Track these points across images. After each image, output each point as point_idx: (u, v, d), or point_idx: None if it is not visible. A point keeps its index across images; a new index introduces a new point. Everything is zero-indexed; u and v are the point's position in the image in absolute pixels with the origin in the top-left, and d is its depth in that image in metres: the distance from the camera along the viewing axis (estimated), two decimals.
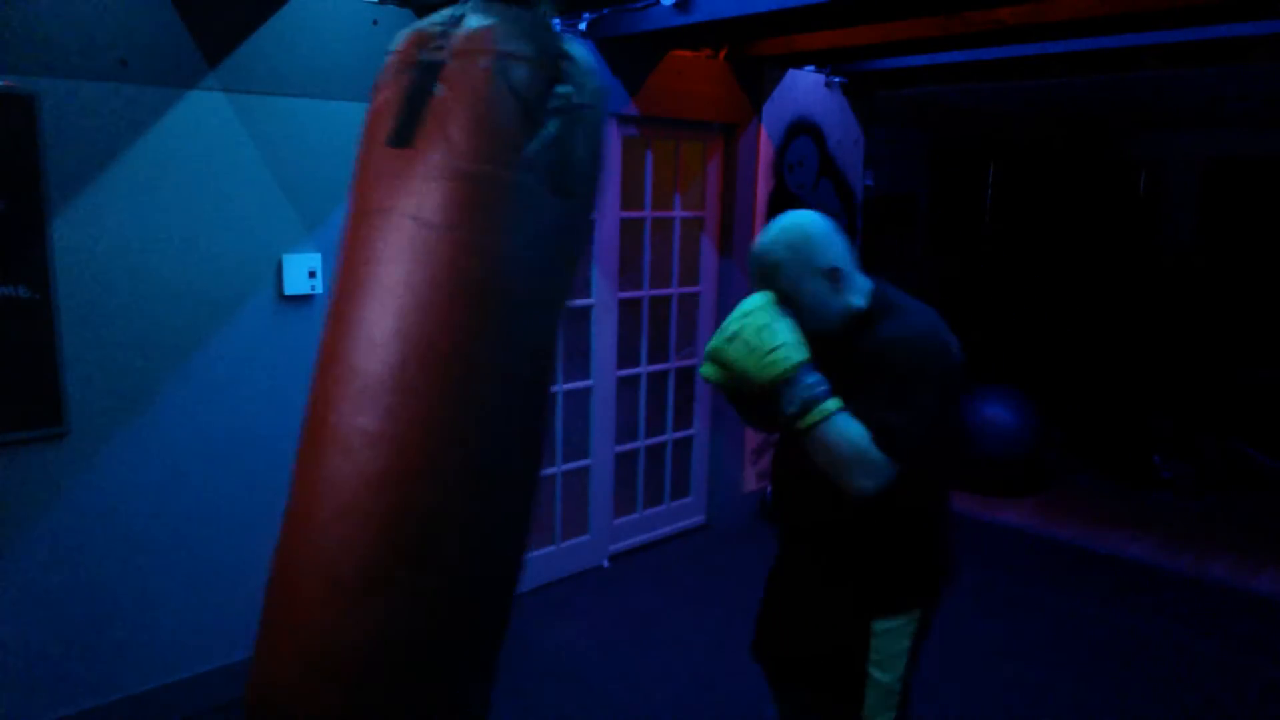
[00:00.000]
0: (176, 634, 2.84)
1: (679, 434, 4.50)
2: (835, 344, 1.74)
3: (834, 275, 1.74)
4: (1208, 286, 6.45)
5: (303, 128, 2.88)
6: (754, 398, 1.71)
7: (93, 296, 2.56)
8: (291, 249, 2.92)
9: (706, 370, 1.74)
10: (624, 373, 4.16)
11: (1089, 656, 3.38)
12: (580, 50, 1.36)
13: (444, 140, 1.22)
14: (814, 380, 1.63)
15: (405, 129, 1.25)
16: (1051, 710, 3.02)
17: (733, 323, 1.67)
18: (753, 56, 4.12)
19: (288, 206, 2.89)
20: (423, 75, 1.27)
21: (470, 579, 1.30)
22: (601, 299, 3.97)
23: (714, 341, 1.69)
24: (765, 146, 4.43)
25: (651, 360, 4.28)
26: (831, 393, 1.64)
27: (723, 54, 4.13)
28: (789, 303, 1.73)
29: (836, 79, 4.69)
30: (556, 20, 1.37)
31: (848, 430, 1.61)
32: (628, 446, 4.26)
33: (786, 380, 1.62)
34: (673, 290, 4.31)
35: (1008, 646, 3.44)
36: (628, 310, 4.15)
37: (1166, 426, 5.64)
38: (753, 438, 4.68)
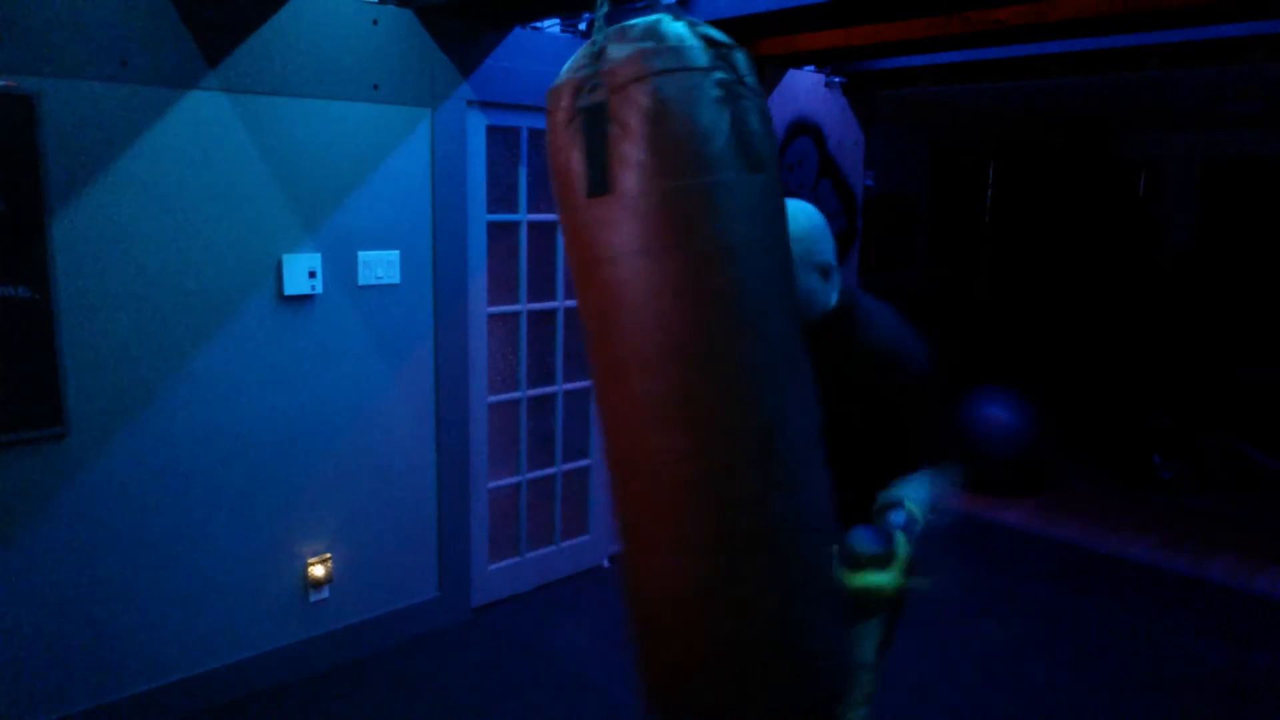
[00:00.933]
0: (176, 634, 2.84)
1: None
2: (813, 337, 1.75)
3: (826, 271, 1.81)
4: (1207, 286, 6.45)
5: (303, 128, 2.88)
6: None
7: (93, 296, 2.56)
8: (291, 249, 2.92)
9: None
10: None
11: (1089, 656, 3.38)
12: (708, 27, 1.37)
13: (635, 173, 1.26)
14: (902, 536, 1.60)
15: (598, 176, 1.29)
16: (1051, 710, 3.02)
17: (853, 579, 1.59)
18: (753, 56, 4.12)
19: (288, 206, 2.89)
20: (592, 120, 1.29)
21: (791, 572, 1.38)
22: None
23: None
24: None
25: None
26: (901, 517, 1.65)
27: None
28: None
29: (836, 79, 4.69)
30: (552, 23, 1.38)
31: (926, 500, 1.68)
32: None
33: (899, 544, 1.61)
34: None
35: (1008, 646, 3.44)
36: None
37: (1166, 426, 5.64)
38: None
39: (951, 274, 6.55)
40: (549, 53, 3.46)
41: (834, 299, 1.84)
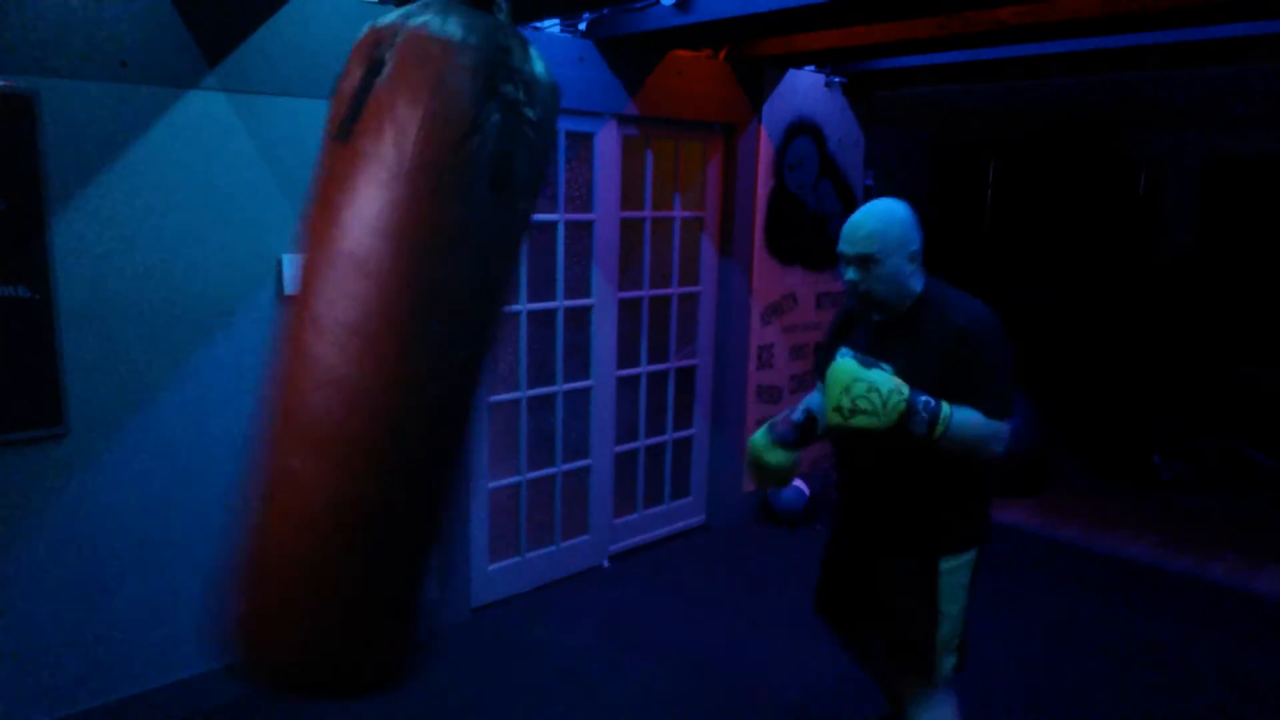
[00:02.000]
0: (177, 634, 2.84)
1: (679, 434, 4.50)
2: (903, 321, 2.11)
3: (915, 258, 2.10)
4: (1207, 286, 6.45)
5: (303, 128, 2.88)
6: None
7: (93, 296, 2.56)
8: (291, 249, 2.92)
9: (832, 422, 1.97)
10: (624, 373, 4.16)
11: (1089, 656, 3.38)
12: (536, 54, 1.40)
13: (379, 136, 1.28)
14: (923, 400, 1.91)
15: (346, 124, 1.32)
16: (1051, 710, 3.02)
17: (841, 398, 1.92)
18: (753, 56, 4.12)
19: (288, 206, 2.89)
20: (369, 72, 1.32)
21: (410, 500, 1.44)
22: (601, 299, 3.97)
23: (834, 419, 1.95)
24: (765, 146, 4.43)
25: (651, 360, 4.29)
26: (932, 399, 1.93)
27: (723, 54, 4.13)
28: (873, 268, 2.05)
29: (836, 79, 4.69)
30: (507, 20, 1.42)
31: (967, 421, 1.95)
32: (628, 446, 4.26)
33: (907, 414, 1.90)
34: (673, 290, 4.31)
35: (1008, 646, 3.44)
36: (628, 310, 4.15)
37: (1166, 426, 5.64)
38: None
39: (951, 273, 6.55)
40: (549, 53, 3.45)
41: (920, 285, 2.12)
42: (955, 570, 2.16)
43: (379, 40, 1.34)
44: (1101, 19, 3.06)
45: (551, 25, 3.51)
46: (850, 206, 4.96)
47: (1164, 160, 6.79)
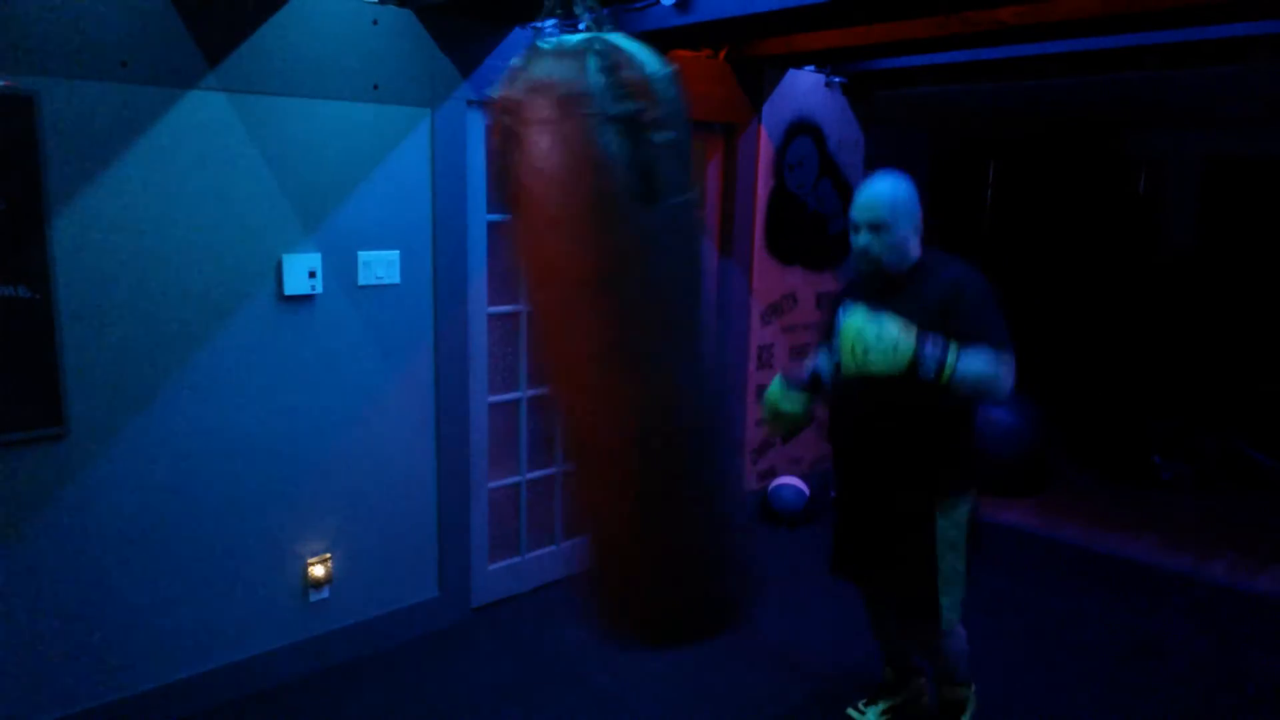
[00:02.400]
0: (176, 634, 2.84)
1: None
2: (903, 282, 2.34)
3: (918, 230, 2.35)
4: (1207, 286, 6.45)
5: (303, 128, 2.88)
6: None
7: (93, 296, 2.56)
8: (291, 249, 2.92)
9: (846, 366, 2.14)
10: None
11: (1089, 656, 3.38)
12: (634, 52, 1.49)
13: (531, 202, 1.44)
14: (930, 345, 2.07)
15: (508, 199, 1.47)
16: (1051, 710, 3.02)
17: (855, 342, 2.08)
18: (753, 56, 4.12)
19: (288, 206, 2.89)
20: (505, 147, 1.44)
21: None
22: None
23: (849, 364, 2.11)
24: (765, 146, 4.43)
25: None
26: (940, 341, 2.09)
27: (723, 54, 4.13)
28: (883, 233, 2.29)
29: (836, 79, 4.68)
30: (551, 23, 1.49)
31: (975, 362, 2.10)
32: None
33: (916, 357, 2.05)
34: None
35: (1008, 646, 3.44)
36: None
37: (1166, 427, 5.64)
38: (753, 437, 4.68)
39: None
40: (636, 50, 3.45)
41: (919, 252, 2.37)
42: (949, 513, 2.38)
43: (505, 110, 1.46)
44: (1101, 19, 3.06)
45: (552, 25, 3.51)
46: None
47: (1164, 160, 6.79)
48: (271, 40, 2.78)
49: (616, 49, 1.43)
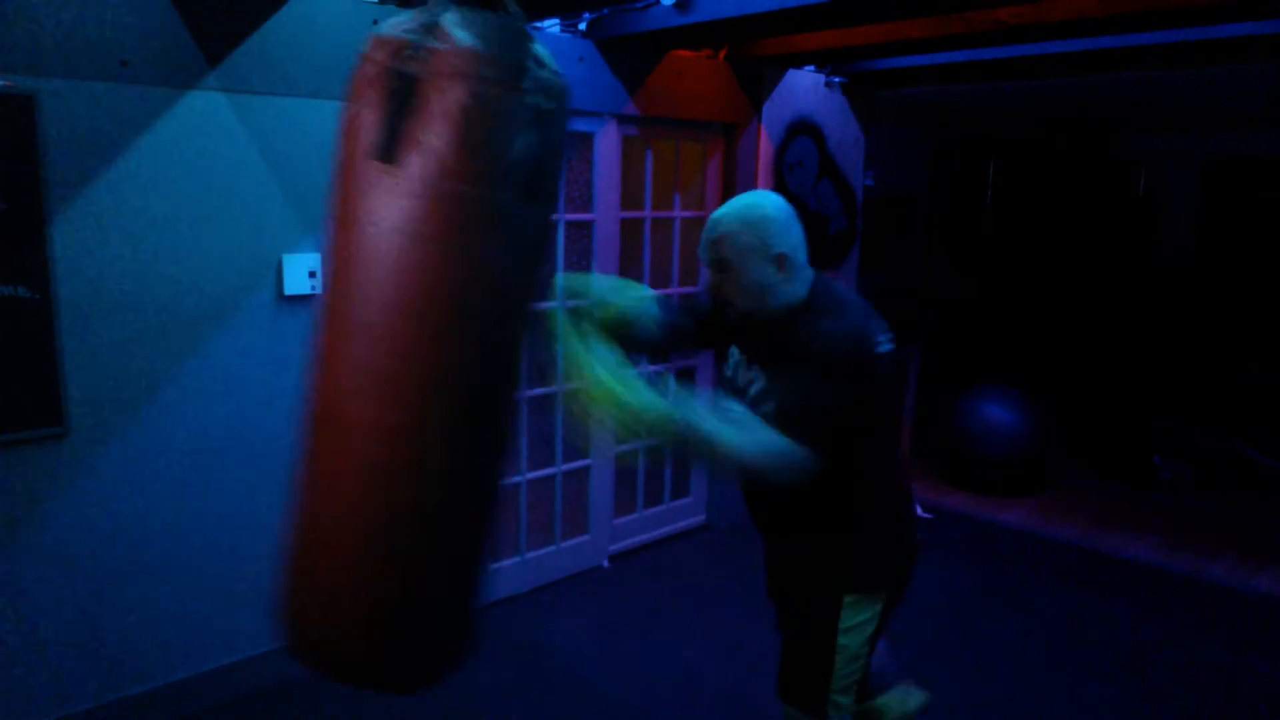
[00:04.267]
0: (176, 634, 2.84)
1: None
2: (769, 327, 1.83)
3: (781, 261, 1.80)
4: (1207, 286, 6.45)
5: (303, 128, 2.88)
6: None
7: (93, 296, 2.56)
8: (291, 249, 2.92)
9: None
10: None
11: (1089, 656, 3.38)
12: (544, 51, 1.41)
13: (425, 159, 1.30)
14: (686, 419, 1.62)
15: (389, 145, 1.32)
16: (1051, 710, 3.02)
17: (604, 414, 1.64)
18: (753, 56, 4.12)
19: (288, 206, 2.89)
20: (401, 89, 1.31)
21: (451, 553, 1.52)
22: None
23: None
24: (765, 146, 4.43)
25: (652, 361, 4.28)
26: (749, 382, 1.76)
27: (723, 54, 4.13)
28: (729, 275, 1.80)
29: (836, 79, 4.69)
30: (551, 23, 1.45)
31: (740, 443, 1.65)
32: (628, 446, 4.26)
33: (670, 435, 1.63)
34: (673, 290, 4.31)
35: (1008, 646, 3.44)
36: None
37: (1166, 426, 5.64)
38: None
39: (951, 274, 6.55)
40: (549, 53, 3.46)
41: (798, 292, 1.84)
42: (858, 606, 1.93)
43: (398, 52, 1.32)
44: (1101, 19, 3.06)
45: (551, 25, 3.51)
46: (850, 206, 4.96)
47: (1164, 161, 6.79)
48: (271, 40, 2.78)
49: (544, 50, 1.41)
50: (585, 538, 4.08)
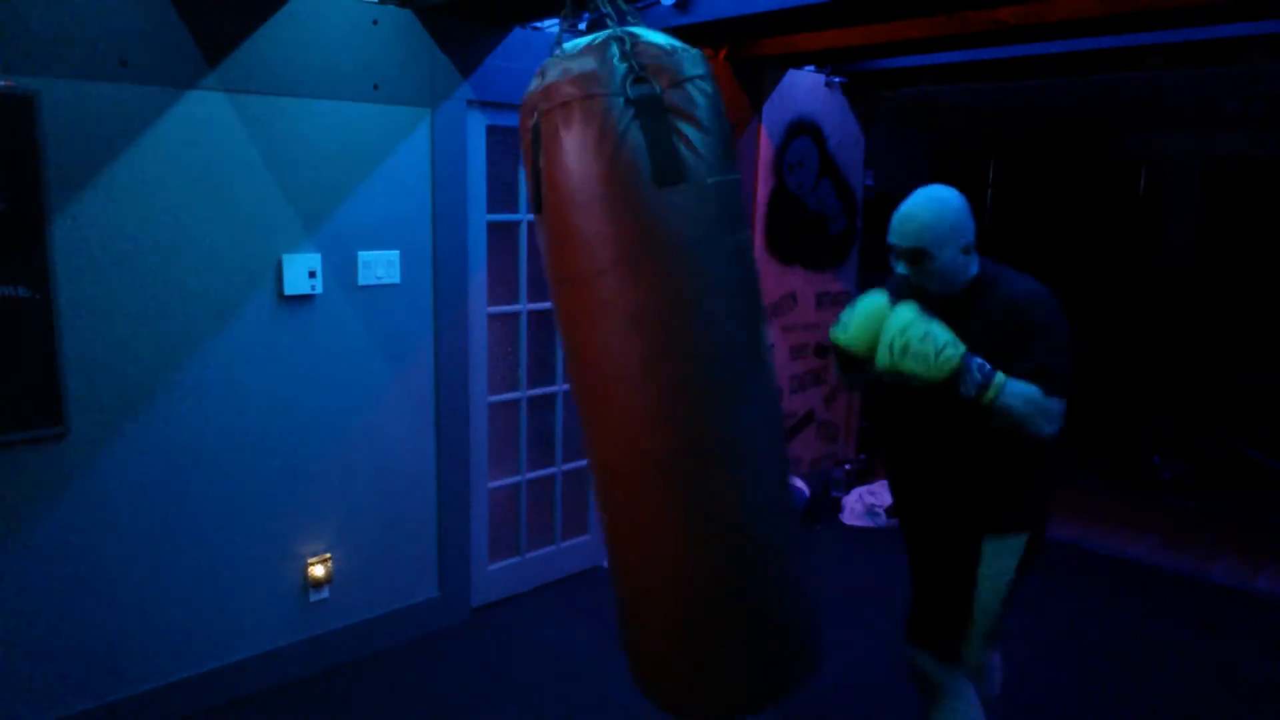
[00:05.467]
0: (176, 634, 2.84)
1: None
2: (956, 303, 2.03)
3: (969, 249, 2.02)
4: (1207, 286, 6.45)
5: (303, 128, 2.88)
6: (923, 388, 1.89)
7: (93, 296, 2.56)
8: (291, 249, 2.92)
9: (881, 363, 1.91)
10: None
11: (1089, 656, 3.38)
12: (651, 37, 1.49)
13: (704, 167, 1.39)
14: (978, 363, 1.85)
15: (534, 198, 1.43)
16: (1052, 710, 3.02)
17: (895, 336, 1.87)
18: (753, 56, 4.12)
19: (288, 206, 2.89)
20: (534, 142, 1.42)
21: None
22: None
23: (883, 357, 1.90)
24: (765, 146, 4.43)
25: None
26: (988, 363, 1.88)
27: (723, 54, 4.13)
28: (927, 263, 1.99)
29: (836, 79, 4.69)
30: (551, 23, 1.52)
31: (1020, 392, 1.87)
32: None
33: (959, 372, 1.84)
34: None
35: (1008, 646, 3.44)
36: None
37: (1166, 427, 5.64)
38: None
39: None
40: (549, 53, 3.46)
41: (974, 269, 2.05)
42: (999, 553, 2.07)
43: (532, 108, 1.45)
44: (1101, 19, 3.06)
45: (552, 25, 3.51)
46: (850, 206, 4.96)
47: (1164, 161, 6.78)
48: (271, 40, 2.78)
49: (636, 37, 1.44)
50: (585, 538, 4.08)
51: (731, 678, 1.56)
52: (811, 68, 4.53)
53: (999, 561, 2.08)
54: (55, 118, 2.43)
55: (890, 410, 2.18)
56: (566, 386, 3.90)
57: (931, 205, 1.99)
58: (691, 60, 1.45)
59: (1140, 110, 6.05)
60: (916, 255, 1.99)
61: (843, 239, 4.94)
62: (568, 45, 1.47)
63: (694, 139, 1.40)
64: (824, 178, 4.78)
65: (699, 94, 1.43)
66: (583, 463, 4.03)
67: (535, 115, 1.40)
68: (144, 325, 2.66)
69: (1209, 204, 6.61)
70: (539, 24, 3.46)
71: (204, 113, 2.69)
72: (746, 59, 4.16)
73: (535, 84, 1.44)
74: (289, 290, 2.92)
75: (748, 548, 1.53)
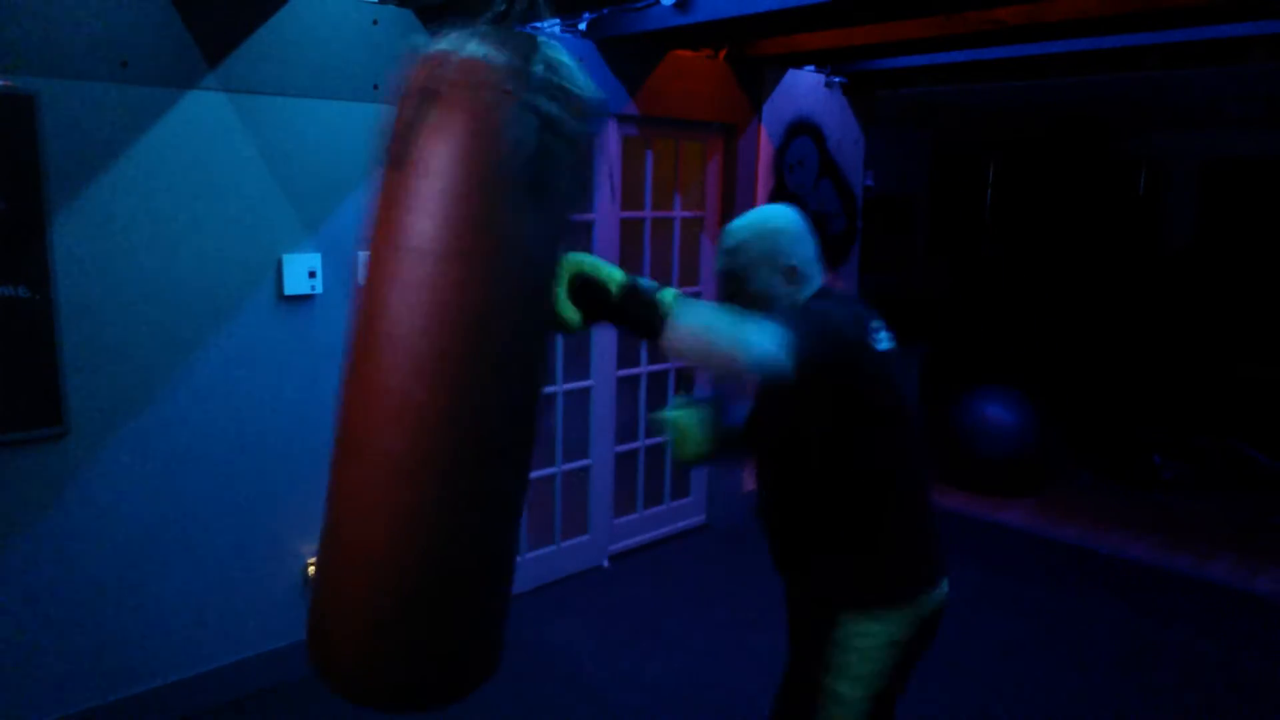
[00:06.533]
0: (176, 634, 2.84)
1: None
2: None
3: (791, 273, 1.80)
4: (1207, 286, 6.45)
5: (303, 128, 2.88)
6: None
7: (93, 296, 2.56)
8: (291, 249, 2.92)
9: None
10: (624, 373, 4.15)
11: (1089, 656, 3.38)
12: (559, 57, 1.45)
13: (429, 168, 1.36)
14: (650, 285, 1.52)
15: (400, 154, 1.38)
16: (1052, 710, 3.02)
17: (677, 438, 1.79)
18: (753, 56, 4.12)
19: (288, 206, 2.89)
20: (421, 102, 1.38)
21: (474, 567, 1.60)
22: None
23: (689, 453, 1.81)
24: (765, 146, 4.43)
25: (652, 360, 4.28)
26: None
27: (723, 54, 4.13)
28: (740, 284, 1.80)
29: (836, 79, 4.69)
30: (552, 23, 1.50)
31: (700, 311, 1.49)
32: (628, 446, 4.26)
33: (624, 284, 1.50)
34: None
35: (1008, 646, 3.44)
36: None
37: (1166, 426, 5.64)
38: None
39: (951, 274, 6.55)
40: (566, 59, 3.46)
41: (803, 296, 1.81)
42: (863, 635, 1.72)
43: (430, 70, 1.41)
44: (1101, 19, 3.06)
45: (552, 25, 3.51)
46: (850, 206, 4.96)
47: (1164, 160, 6.79)
48: (271, 40, 2.78)
49: (562, 60, 1.45)
50: (585, 538, 4.08)
51: (419, 670, 1.56)
52: (811, 68, 4.53)
53: (863, 643, 1.72)
54: (55, 118, 2.43)
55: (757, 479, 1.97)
56: (566, 386, 3.90)
57: (753, 225, 1.81)
58: (599, 105, 1.49)
59: (1140, 110, 6.05)
60: (729, 275, 1.80)
61: (843, 239, 4.94)
62: (494, 30, 1.44)
63: (571, 174, 1.44)
64: (824, 178, 4.78)
65: (589, 136, 1.48)
66: (583, 462, 4.03)
67: (440, 83, 1.37)
68: (144, 325, 2.66)
69: (1209, 204, 6.61)
70: (539, 24, 3.46)
71: (204, 113, 2.69)
72: (746, 59, 4.16)
73: (450, 49, 1.40)
74: (289, 290, 2.92)
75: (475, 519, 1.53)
